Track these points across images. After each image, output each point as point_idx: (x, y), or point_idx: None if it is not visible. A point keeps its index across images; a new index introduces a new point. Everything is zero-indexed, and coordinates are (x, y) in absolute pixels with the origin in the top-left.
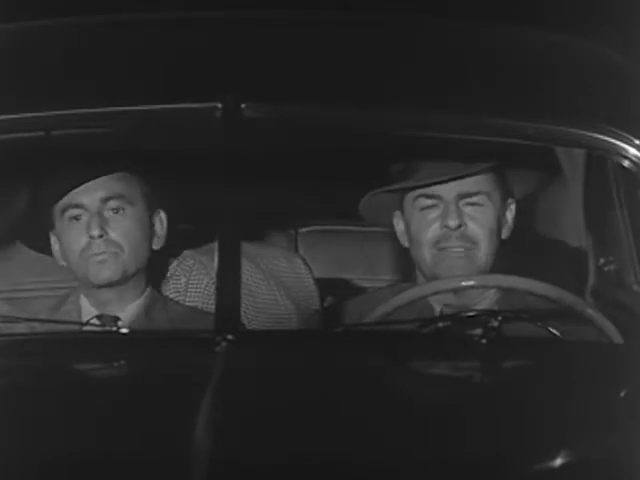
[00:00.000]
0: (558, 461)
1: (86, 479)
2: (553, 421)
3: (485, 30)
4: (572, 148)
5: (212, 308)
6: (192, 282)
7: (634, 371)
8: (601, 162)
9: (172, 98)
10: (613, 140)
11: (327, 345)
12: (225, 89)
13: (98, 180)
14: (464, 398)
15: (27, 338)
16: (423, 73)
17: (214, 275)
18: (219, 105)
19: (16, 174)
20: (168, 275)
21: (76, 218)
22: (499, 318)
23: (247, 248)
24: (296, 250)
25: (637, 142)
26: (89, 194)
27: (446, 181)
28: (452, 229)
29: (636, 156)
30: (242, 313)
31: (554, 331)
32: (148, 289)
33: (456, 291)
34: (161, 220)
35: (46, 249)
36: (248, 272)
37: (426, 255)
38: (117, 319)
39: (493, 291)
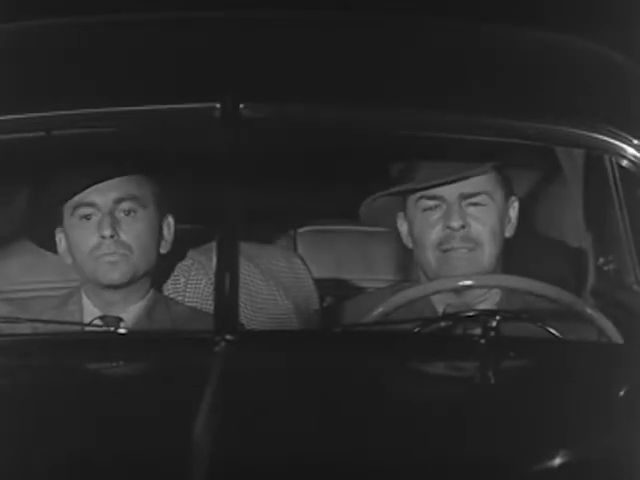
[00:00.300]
0: (558, 461)
1: (87, 478)
2: (553, 421)
3: (485, 30)
4: (572, 148)
5: (211, 308)
6: (191, 282)
7: (634, 371)
8: (600, 162)
9: (171, 98)
10: (612, 140)
11: (326, 345)
12: (224, 89)
13: (112, 181)
14: (464, 398)
15: (29, 338)
16: (423, 73)
17: (213, 275)
18: (218, 105)
19: (22, 172)
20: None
21: (87, 217)
22: (498, 318)
23: (246, 248)
24: (295, 250)
25: (636, 142)
26: (102, 194)
27: (448, 182)
28: (455, 230)
29: (635, 156)
30: (241, 313)
31: (554, 331)
32: (151, 291)
33: (458, 291)
34: (169, 225)
35: (52, 246)
36: (247, 272)
37: (430, 257)
38: (119, 320)
39: (495, 291)
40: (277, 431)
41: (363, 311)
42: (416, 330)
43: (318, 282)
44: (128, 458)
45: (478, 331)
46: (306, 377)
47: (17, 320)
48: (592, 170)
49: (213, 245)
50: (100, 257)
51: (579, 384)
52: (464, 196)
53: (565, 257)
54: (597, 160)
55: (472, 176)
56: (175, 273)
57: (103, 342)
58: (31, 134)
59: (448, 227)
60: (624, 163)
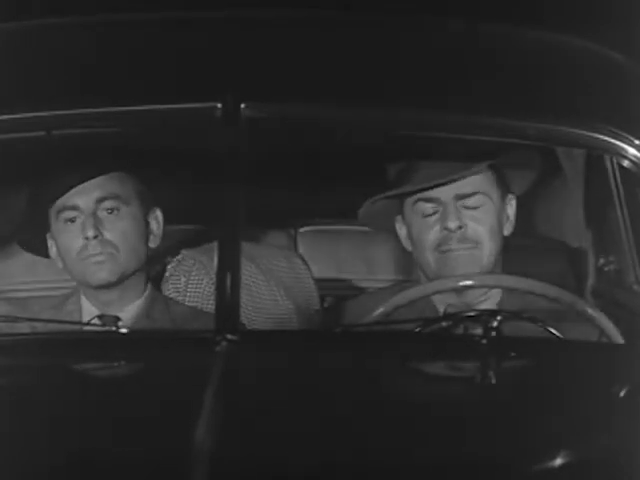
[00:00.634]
0: (558, 461)
1: (87, 478)
2: (553, 421)
3: (485, 30)
4: (572, 148)
5: (212, 308)
6: (192, 282)
7: (634, 371)
8: (601, 162)
9: (172, 98)
10: (613, 140)
11: (327, 345)
12: (225, 89)
13: (93, 181)
14: (464, 398)
15: (28, 338)
16: (422, 73)
17: (214, 275)
18: (219, 105)
19: (11, 176)
20: (167, 275)
21: (71, 220)
22: (499, 318)
23: (247, 248)
24: (296, 250)
25: (637, 142)
26: (84, 195)
27: (443, 183)
28: (452, 231)
29: (636, 156)
30: (242, 313)
31: (554, 331)
32: (148, 289)
33: (458, 291)
34: (157, 218)
35: (43, 252)
36: (248, 272)
37: (429, 259)
38: (118, 319)
39: (495, 291)
40: (278, 431)
41: (364, 311)
42: (417, 330)
43: (319, 282)
44: (128, 458)
45: (479, 331)
46: (307, 377)
47: (16, 319)
48: (593, 170)
49: (214, 245)
50: (87, 258)
51: (580, 384)
52: (460, 197)
53: (565, 257)
54: (598, 160)
55: (467, 176)
56: (176, 273)
57: (103, 342)
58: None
59: (445, 228)
60: (625, 163)
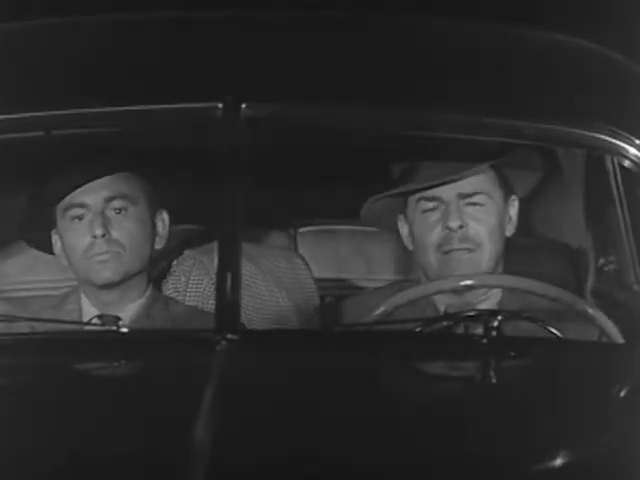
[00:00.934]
0: (558, 461)
1: (87, 477)
2: (553, 421)
3: (485, 30)
4: (573, 148)
5: (212, 308)
6: (192, 282)
7: (635, 371)
8: (601, 162)
9: (172, 98)
10: (613, 140)
11: (327, 345)
12: (225, 89)
13: (101, 180)
14: (465, 398)
15: (28, 337)
16: (423, 73)
17: (214, 275)
18: (219, 105)
19: (18, 173)
20: (168, 274)
21: (79, 218)
22: (499, 318)
23: (247, 248)
24: (296, 250)
25: (637, 142)
26: (92, 193)
27: (446, 182)
28: (454, 230)
29: (636, 156)
30: (242, 313)
31: (555, 331)
32: (149, 289)
33: (459, 291)
34: (163, 220)
35: (48, 248)
36: (248, 272)
37: (431, 258)
38: (118, 319)
39: (496, 290)
40: (277, 430)
41: (364, 311)
42: (417, 330)
43: (319, 282)
44: (128, 457)
45: (479, 331)
46: (307, 377)
47: (15, 319)
48: (593, 170)
49: (214, 245)
50: (93, 257)
51: (580, 384)
52: (462, 196)
53: (566, 257)
54: (598, 160)
55: (470, 176)
56: (176, 273)
57: (103, 341)
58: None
59: (447, 227)
60: (625, 163)
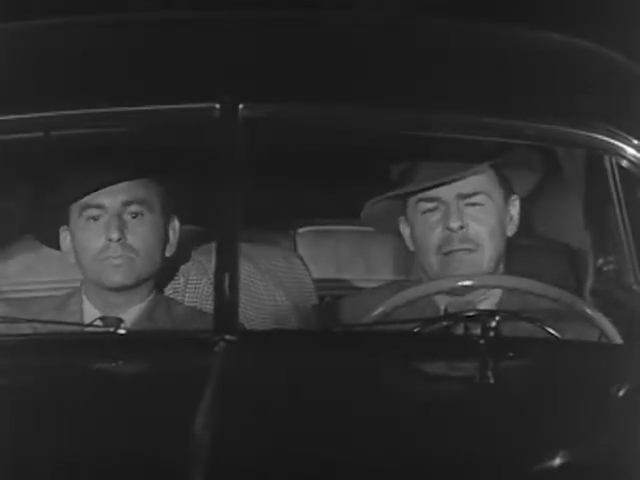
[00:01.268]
0: (558, 461)
1: (85, 478)
2: (553, 421)
3: (485, 30)
4: (571, 148)
5: (210, 308)
6: (191, 282)
7: (634, 371)
8: (600, 162)
9: (170, 98)
10: (612, 140)
11: (326, 345)
12: (223, 89)
13: (122, 184)
14: (463, 398)
15: (29, 339)
16: (422, 73)
17: (212, 275)
18: (217, 105)
19: (21, 174)
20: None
21: (94, 218)
22: (498, 318)
23: (245, 248)
24: (295, 250)
25: (636, 142)
26: (111, 196)
27: (445, 183)
28: (454, 231)
29: (635, 156)
30: (240, 313)
31: (553, 331)
32: (153, 293)
33: (459, 291)
34: (174, 228)
35: (55, 244)
36: (246, 272)
37: (432, 260)
38: (120, 321)
39: (495, 290)
40: (277, 431)
41: (363, 311)
42: (416, 330)
43: (318, 282)
44: (127, 458)
45: (478, 331)
46: (306, 377)
47: (17, 320)
48: (592, 170)
49: (213, 245)
50: (106, 259)
51: (579, 384)
52: (462, 196)
53: (565, 257)
54: (597, 160)
55: (469, 176)
56: (175, 273)
57: (103, 342)
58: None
59: (447, 228)
60: (624, 163)
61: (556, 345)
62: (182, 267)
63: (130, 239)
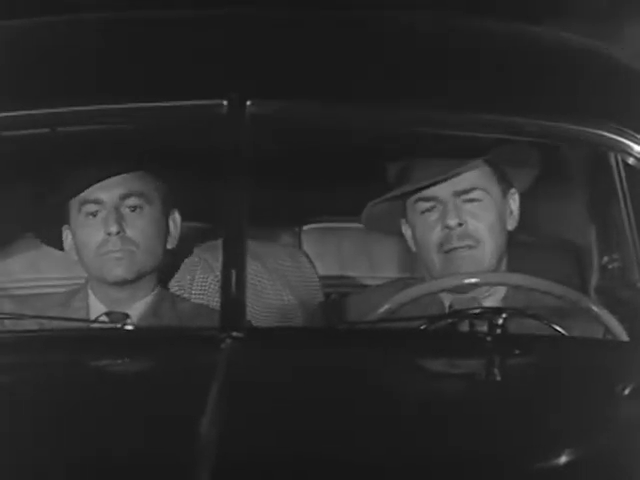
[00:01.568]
0: (564, 458)
1: (92, 475)
2: (558, 419)
3: (488, 28)
4: (576, 145)
5: (217, 305)
6: (197, 279)
7: (639, 368)
8: (605, 159)
9: (177, 95)
10: (617, 137)
11: (332, 342)
12: (230, 86)
13: (117, 177)
14: (468, 396)
15: (35, 335)
16: (425, 72)
17: (219, 273)
18: (224, 102)
19: (23, 171)
20: (175, 272)
21: (93, 214)
22: (504, 315)
23: (251, 245)
24: (300, 248)
25: None
26: (108, 190)
27: (439, 181)
28: (453, 228)
29: None
30: (247, 310)
31: (559, 328)
32: (157, 287)
33: (463, 288)
34: (175, 220)
35: (57, 243)
36: (253, 270)
37: (433, 259)
38: (126, 316)
39: (500, 287)
40: (283, 428)
41: (368, 308)
42: (422, 327)
43: (323, 279)
44: (133, 455)
45: (484, 328)
46: (311, 374)
47: (22, 317)
48: (597, 168)
49: (219, 243)
50: (106, 254)
51: (584, 381)
52: (458, 193)
53: (570, 255)
54: (602, 158)
55: (463, 172)
56: (181, 270)
57: (109, 339)
58: (36, 131)
59: (446, 226)
60: (629, 160)
61: (561, 342)
62: (188, 264)
63: (129, 232)
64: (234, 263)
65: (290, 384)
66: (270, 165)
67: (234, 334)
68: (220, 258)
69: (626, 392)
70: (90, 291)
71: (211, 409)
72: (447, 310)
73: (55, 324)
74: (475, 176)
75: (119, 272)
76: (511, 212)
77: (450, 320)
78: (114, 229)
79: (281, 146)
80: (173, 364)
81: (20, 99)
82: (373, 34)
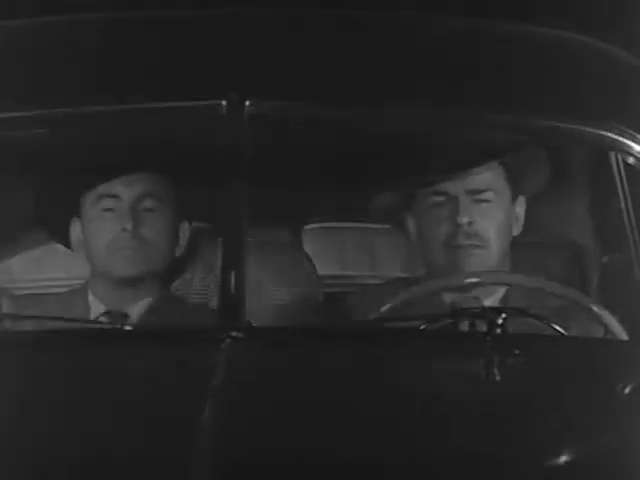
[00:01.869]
0: (564, 458)
1: (91, 475)
2: (558, 418)
3: (494, 27)
4: (577, 145)
5: (216, 305)
6: (197, 279)
7: (639, 368)
8: (606, 159)
9: (176, 96)
10: (618, 137)
11: (331, 342)
12: (229, 86)
13: (137, 176)
14: (468, 395)
15: (34, 335)
16: (429, 70)
17: (218, 272)
18: (223, 102)
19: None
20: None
21: (109, 210)
22: (504, 315)
23: (251, 245)
24: (300, 247)
25: None
26: (127, 187)
27: (455, 177)
28: (462, 226)
29: None
30: (246, 310)
31: (559, 328)
32: (159, 290)
33: (465, 287)
34: (184, 230)
35: (66, 240)
36: (252, 269)
37: (437, 254)
38: (126, 315)
39: (501, 287)
40: (282, 427)
41: (369, 307)
42: (422, 327)
43: (324, 279)
44: (132, 454)
45: (484, 328)
46: (311, 373)
47: (22, 317)
48: (598, 167)
49: (219, 242)
50: (117, 250)
51: (584, 381)
52: (472, 192)
53: (570, 254)
54: (603, 157)
55: (480, 172)
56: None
57: (108, 338)
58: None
59: (455, 223)
60: (630, 160)
61: (562, 342)
62: (189, 263)
63: (143, 232)
64: (233, 263)
65: (290, 383)
66: (269, 165)
67: (234, 334)
68: (219, 258)
69: (626, 391)
70: (90, 291)
71: (210, 409)
72: (448, 309)
73: (54, 324)
74: (489, 177)
75: (128, 268)
76: (517, 218)
77: (450, 320)
78: (129, 226)
79: (280, 146)
80: (172, 363)
81: (18, 99)
82: (373, 34)
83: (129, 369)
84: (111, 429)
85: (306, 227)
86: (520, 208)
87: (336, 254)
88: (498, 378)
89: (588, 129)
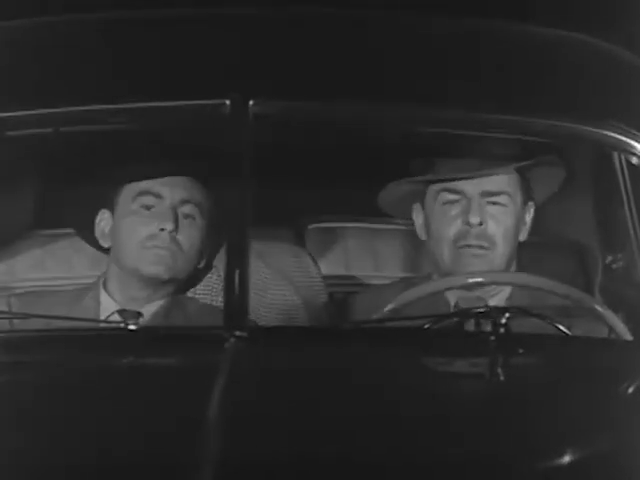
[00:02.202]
0: (567, 458)
1: (95, 475)
2: (561, 418)
3: (498, 28)
4: (580, 145)
5: (221, 304)
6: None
7: None
8: (609, 159)
9: (180, 95)
10: (621, 137)
11: (336, 342)
12: (233, 86)
13: (181, 180)
14: (472, 394)
15: (42, 334)
16: (431, 71)
17: (222, 272)
18: (227, 102)
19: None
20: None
21: (147, 207)
22: (508, 315)
23: (255, 245)
24: (304, 247)
25: None
26: (171, 188)
27: (471, 177)
28: (473, 226)
29: None
30: (251, 310)
31: (563, 328)
32: (173, 294)
33: (469, 287)
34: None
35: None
36: (256, 269)
37: (444, 251)
38: (139, 314)
39: (506, 287)
40: (287, 428)
41: (373, 307)
42: (427, 326)
43: (327, 279)
44: (138, 454)
45: (488, 327)
46: (315, 374)
47: (29, 316)
48: (601, 167)
49: (223, 242)
50: (152, 248)
51: (588, 381)
52: (486, 193)
53: (574, 254)
54: (606, 157)
55: (495, 174)
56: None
57: (114, 339)
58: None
59: (466, 222)
60: (633, 160)
61: (566, 341)
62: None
63: (180, 236)
64: (238, 263)
65: (294, 383)
66: (273, 164)
67: (238, 333)
68: (224, 258)
69: (630, 391)
70: (102, 290)
71: (215, 408)
72: (452, 309)
73: (62, 323)
74: (505, 181)
75: (156, 268)
76: (525, 223)
77: (455, 319)
78: (170, 226)
79: (284, 145)
80: (177, 363)
81: (17, 99)
82: (374, 34)
83: (133, 369)
84: (115, 429)
85: (310, 227)
86: (529, 215)
87: (340, 254)
88: (502, 377)
89: (592, 129)
